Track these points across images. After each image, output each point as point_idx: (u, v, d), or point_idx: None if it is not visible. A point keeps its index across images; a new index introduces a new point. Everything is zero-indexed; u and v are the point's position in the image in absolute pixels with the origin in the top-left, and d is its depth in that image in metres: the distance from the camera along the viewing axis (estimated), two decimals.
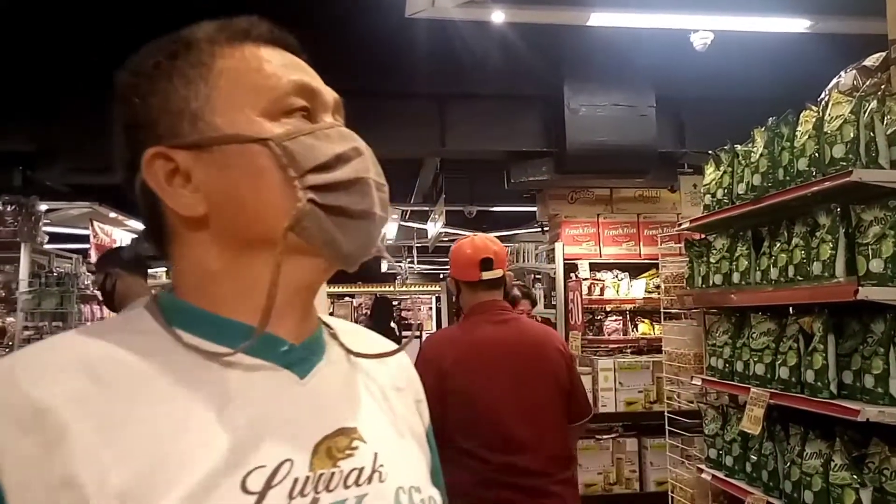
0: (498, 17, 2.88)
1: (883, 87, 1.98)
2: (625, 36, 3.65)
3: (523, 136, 4.21)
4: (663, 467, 3.57)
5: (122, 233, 6.30)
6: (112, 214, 5.59)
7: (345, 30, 3.56)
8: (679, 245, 3.31)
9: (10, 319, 4.35)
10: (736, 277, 2.39)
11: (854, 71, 2.20)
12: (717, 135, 2.87)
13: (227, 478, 0.52)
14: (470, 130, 4.16)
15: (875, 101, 1.85)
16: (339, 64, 3.79)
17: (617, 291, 4.44)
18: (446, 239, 8.39)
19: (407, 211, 7.55)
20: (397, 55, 3.75)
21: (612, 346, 4.49)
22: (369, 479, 0.58)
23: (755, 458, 2.31)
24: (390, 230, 8.43)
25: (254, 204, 0.58)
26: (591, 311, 4.46)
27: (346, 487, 0.57)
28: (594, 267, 4.52)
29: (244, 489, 0.52)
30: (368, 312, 9.43)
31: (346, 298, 12.55)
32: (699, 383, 2.71)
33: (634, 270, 4.55)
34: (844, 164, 1.87)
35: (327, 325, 0.69)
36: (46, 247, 5.33)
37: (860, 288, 1.77)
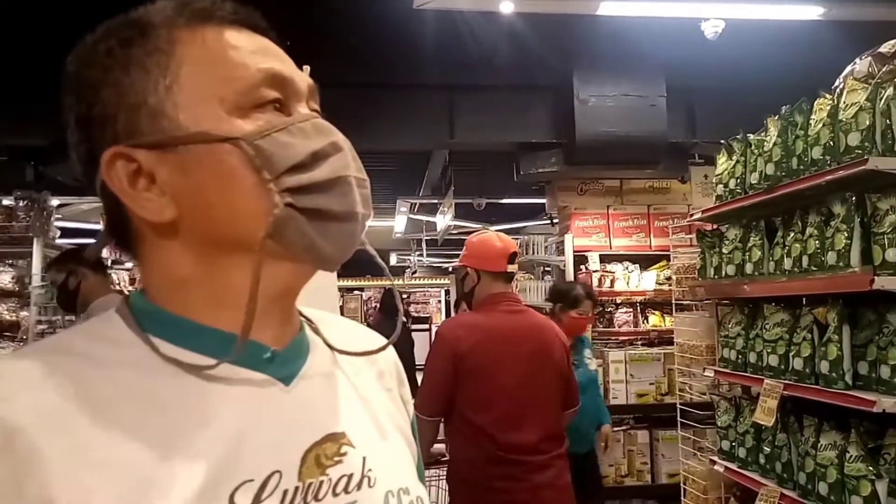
0: (507, 7, 2.85)
1: None
2: (635, 25, 3.61)
3: (532, 128, 4.18)
4: (675, 459, 3.56)
5: None
6: None
7: (352, 22, 3.55)
8: (690, 236, 3.28)
9: (23, 314, 4.38)
10: (749, 268, 2.37)
11: (869, 58, 2.16)
12: (728, 124, 2.84)
13: (214, 495, 0.50)
14: (479, 122, 4.14)
15: (891, 88, 1.82)
16: (346, 56, 3.79)
17: (627, 283, 4.42)
18: (455, 232, 8.37)
19: (416, 204, 7.53)
20: (405, 47, 3.73)
21: (622, 338, 4.48)
22: (358, 486, 0.57)
23: (769, 449, 2.29)
24: (399, 223, 8.43)
25: (225, 208, 0.54)
26: (601, 303, 4.44)
27: (335, 496, 0.55)
28: (604, 259, 4.50)
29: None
30: (378, 306, 9.45)
31: (356, 292, 12.59)
32: (711, 375, 2.70)
33: (645, 262, 4.53)
34: (860, 152, 1.84)
35: (308, 320, 0.66)
36: (58, 241, 5.37)
37: (876, 277, 1.75)
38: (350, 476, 0.57)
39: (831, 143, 1.96)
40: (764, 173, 2.29)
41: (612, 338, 4.47)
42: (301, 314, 0.65)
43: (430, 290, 13.76)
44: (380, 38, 3.67)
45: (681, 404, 3.22)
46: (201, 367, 0.54)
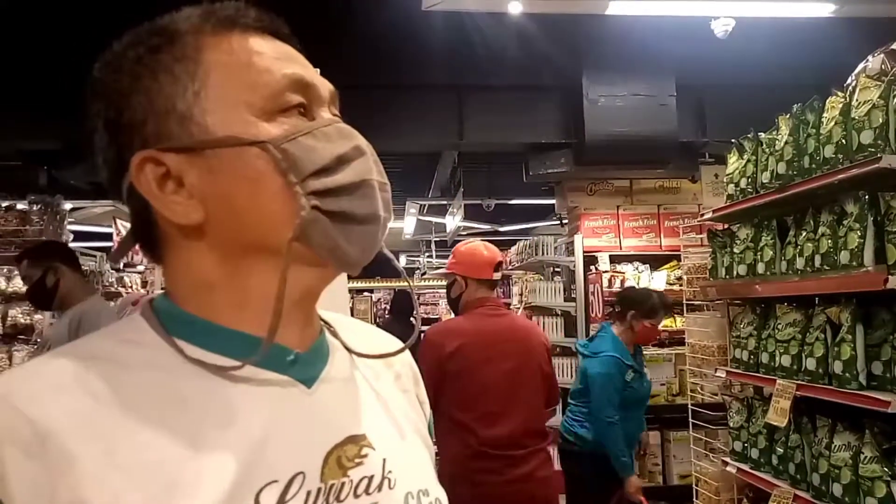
0: (515, 7, 2.85)
1: None
2: (644, 24, 3.60)
3: (542, 128, 4.17)
4: (687, 460, 3.54)
5: None
6: None
7: (362, 23, 3.56)
8: (701, 236, 3.26)
9: (37, 317, 4.43)
10: (761, 268, 2.36)
11: (882, 55, 2.14)
12: (739, 123, 2.82)
13: (240, 495, 0.50)
14: (488, 123, 4.14)
15: None
16: (356, 58, 3.80)
17: (638, 284, 4.40)
18: (465, 233, 8.38)
19: (425, 205, 7.54)
20: (414, 48, 3.74)
21: None
22: (379, 487, 0.57)
23: (781, 450, 2.27)
24: (408, 225, 8.44)
25: (253, 211, 0.55)
26: (611, 303, 4.42)
27: (357, 497, 0.56)
28: (614, 259, 4.48)
29: None
30: (388, 308, 9.46)
31: (366, 294, 12.60)
32: (723, 375, 2.68)
33: (655, 262, 4.51)
34: (873, 150, 1.83)
35: (327, 324, 0.67)
36: (71, 245, 5.42)
37: (890, 277, 1.73)
38: (371, 478, 0.57)
39: (844, 141, 1.95)
40: (775, 172, 2.28)
41: None
42: (320, 318, 0.66)
43: (439, 291, 13.75)
44: (389, 39, 3.68)
45: (692, 405, 3.21)
46: (226, 368, 0.54)
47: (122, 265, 7.09)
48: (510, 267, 8.41)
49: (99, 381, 0.51)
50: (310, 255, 0.56)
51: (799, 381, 2.12)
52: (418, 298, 3.51)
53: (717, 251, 2.71)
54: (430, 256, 10.40)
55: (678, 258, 3.79)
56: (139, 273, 7.95)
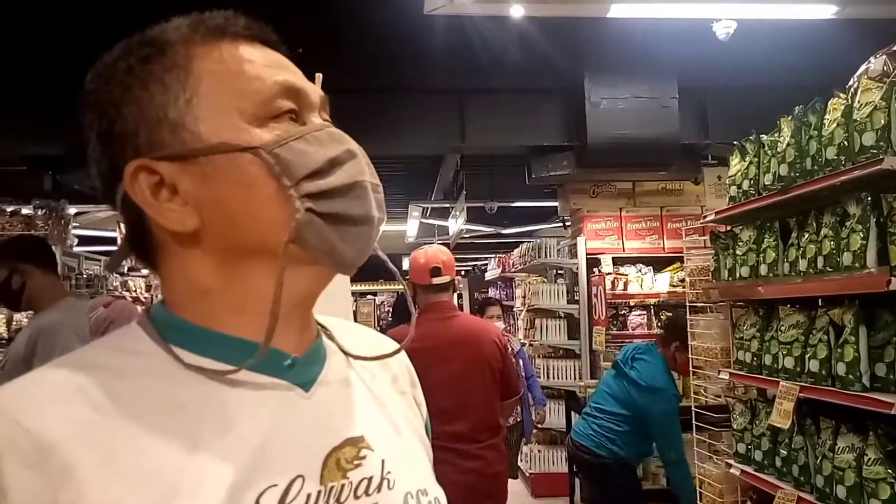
0: (517, 10, 2.86)
1: None
2: (646, 27, 3.60)
3: (544, 131, 4.18)
4: (691, 462, 3.53)
5: None
6: None
7: (364, 28, 3.58)
8: (704, 238, 3.26)
9: None
10: (763, 269, 2.36)
11: (884, 56, 2.14)
12: (741, 125, 2.83)
13: (241, 499, 0.51)
14: (490, 126, 4.15)
15: None
16: (358, 62, 3.81)
17: (641, 286, 4.41)
18: (468, 235, 8.39)
19: (427, 208, 7.55)
20: (416, 52, 3.75)
21: (636, 340, 4.45)
22: (378, 488, 0.58)
23: (785, 452, 2.27)
24: (411, 228, 8.45)
25: (248, 216, 0.55)
26: (614, 305, 4.43)
27: (357, 498, 0.56)
28: (617, 261, 4.49)
29: None
30: (391, 310, 9.47)
31: (369, 297, 12.63)
32: (727, 377, 2.68)
33: (658, 264, 4.51)
34: (875, 151, 1.83)
35: (323, 327, 0.67)
36: (76, 249, 5.45)
37: (892, 278, 1.73)
38: (370, 479, 0.58)
39: (846, 142, 1.95)
40: (777, 174, 2.28)
41: (626, 341, 4.45)
42: (317, 321, 0.67)
43: None
44: (391, 43, 3.70)
45: (696, 407, 3.20)
46: (223, 372, 0.55)
47: (125, 269, 7.12)
48: (513, 269, 8.42)
49: (97, 390, 0.52)
50: (306, 257, 0.57)
51: (802, 383, 2.12)
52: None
53: (720, 253, 2.71)
54: None
55: (681, 260, 3.79)
56: (143, 277, 7.99)
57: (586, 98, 3.96)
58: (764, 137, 2.42)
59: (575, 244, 4.63)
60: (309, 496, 0.54)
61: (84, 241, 5.95)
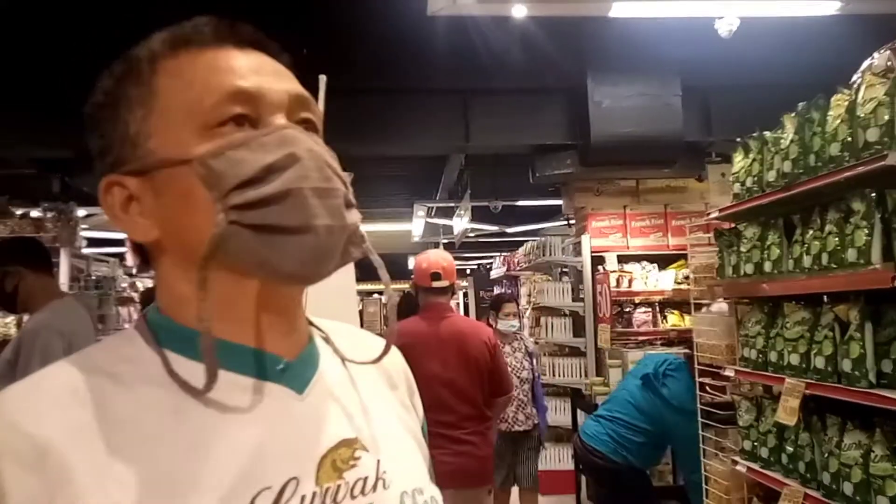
0: (519, 11, 2.86)
1: None
2: (648, 25, 3.60)
3: (547, 130, 4.19)
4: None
5: None
6: None
7: (367, 29, 3.59)
8: (708, 235, 3.26)
9: None
10: (768, 266, 2.36)
11: (888, 52, 2.13)
12: (745, 122, 2.83)
13: (239, 497, 0.52)
14: (494, 125, 4.16)
15: None
16: (362, 63, 3.82)
17: (645, 283, 4.41)
18: (473, 235, 8.39)
19: (432, 208, 7.56)
20: (419, 53, 3.76)
21: (641, 338, 4.46)
22: (374, 488, 0.59)
23: (791, 449, 2.27)
24: (416, 227, 8.46)
25: (189, 227, 0.56)
26: (619, 303, 4.43)
27: (353, 498, 0.57)
28: (622, 259, 4.49)
29: None
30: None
31: (375, 296, 12.64)
32: (732, 374, 2.68)
33: (662, 262, 4.51)
34: (879, 147, 1.82)
35: (318, 329, 0.68)
36: (84, 251, 5.48)
37: None
38: (365, 479, 0.59)
39: (849, 139, 1.95)
40: (781, 171, 2.28)
41: (631, 338, 4.45)
42: (311, 323, 0.67)
43: None
44: (394, 44, 3.71)
45: (701, 404, 3.20)
46: (202, 392, 0.55)
47: (134, 270, 7.15)
48: (518, 268, 8.41)
49: (95, 395, 0.53)
50: (242, 268, 0.56)
51: (808, 380, 2.12)
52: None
53: (724, 250, 2.71)
54: None
55: (685, 257, 3.78)
56: (151, 278, 7.98)
57: (589, 97, 3.96)
58: (767, 134, 2.42)
59: (579, 242, 4.63)
60: (304, 497, 0.54)
61: (92, 242, 5.98)
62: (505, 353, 4.07)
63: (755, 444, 2.51)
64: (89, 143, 0.61)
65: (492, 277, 10.83)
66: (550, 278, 6.81)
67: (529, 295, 6.69)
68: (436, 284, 2.92)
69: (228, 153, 0.55)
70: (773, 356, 2.36)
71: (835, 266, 1.99)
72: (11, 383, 0.54)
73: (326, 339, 0.67)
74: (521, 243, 8.67)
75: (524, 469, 4.13)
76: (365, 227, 0.62)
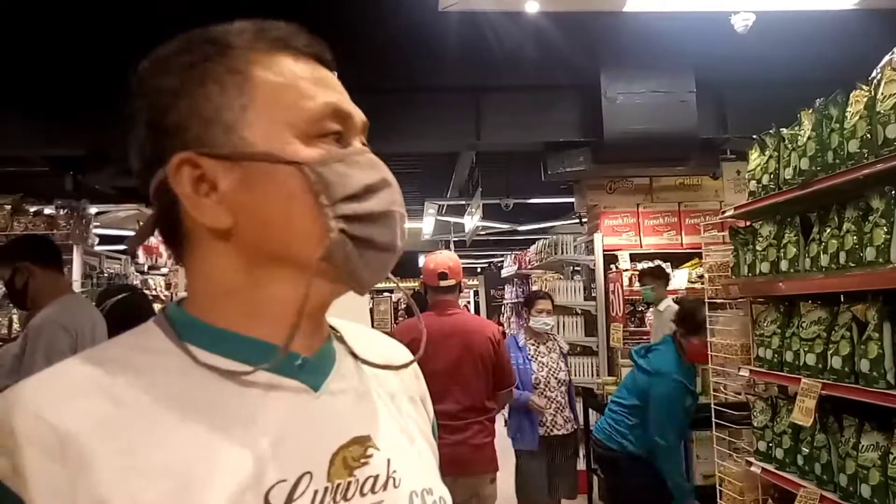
0: (532, 6, 2.84)
1: None
2: (662, 21, 3.57)
3: (560, 127, 4.16)
4: (710, 460, 3.49)
5: None
6: None
7: (378, 25, 3.58)
8: (723, 233, 3.23)
9: None
10: (784, 265, 2.33)
11: None
12: (761, 119, 2.79)
13: (250, 494, 0.52)
14: (505, 122, 4.14)
15: None
16: (373, 60, 3.82)
17: None
18: (484, 233, 8.37)
19: (443, 205, 7.55)
20: (431, 49, 3.75)
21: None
22: (384, 486, 0.60)
23: (807, 450, 2.24)
24: (427, 225, 8.45)
25: (281, 226, 0.57)
26: (632, 302, 4.40)
27: (363, 496, 0.58)
28: (635, 258, 4.46)
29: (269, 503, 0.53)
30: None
31: (385, 294, 12.65)
32: (747, 374, 2.65)
33: (676, 260, 4.47)
34: None
35: (334, 329, 0.69)
36: (97, 248, 5.53)
37: None
38: (376, 477, 0.60)
39: (869, 135, 1.91)
40: (798, 168, 2.24)
41: (644, 337, 4.41)
42: (328, 324, 0.69)
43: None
44: (406, 40, 3.70)
45: (715, 404, 3.17)
46: (238, 372, 0.57)
47: (146, 268, 7.21)
48: (529, 266, 8.39)
49: (115, 385, 0.54)
50: (329, 272, 0.59)
51: (824, 380, 2.09)
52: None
53: (740, 249, 2.68)
54: None
55: (700, 256, 3.75)
56: (163, 275, 8.08)
57: (602, 93, 3.92)
58: (784, 131, 2.39)
59: (592, 240, 4.61)
60: (316, 492, 0.55)
61: (105, 240, 6.03)
62: (540, 353, 4.05)
63: (770, 444, 2.48)
64: (142, 113, 0.59)
65: (503, 276, 10.81)
66: (562, 277, 6.78)
67: None
68: (443, 283, 3.07)
69: (334, 165, 0.57)
70: (788, 356, 2.33)
71: (853, 265, 1.96)
72: (18, 376, 0.54)
73: (340, 339, 0.68)
74: (532, 241, 8.64)
75: (565, 479, 4.03)
76: None
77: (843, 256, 2.01)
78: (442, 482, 0.68)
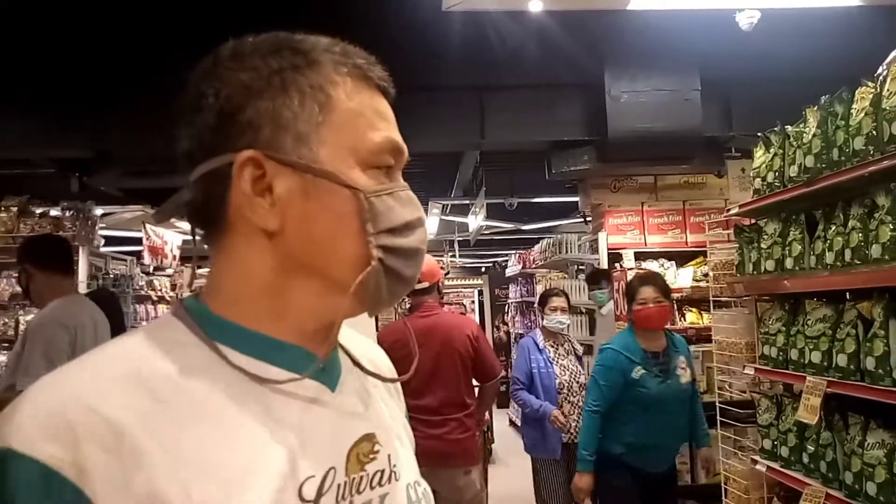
0: (535, 5, 2.84)
1: None
2: (666, 18, 3.56)
3: (564, 126, 4.15)
4: (716, 458, 3.49)
5: (172, 234, 6.51)
6: None
7: (381, 25, 3.58)
8: (728, 231, 3.22)
9: None
10: (789, 263, 2.32)
11: None
12: (766, 116, 2.78)
13: (287, 488, 0.55)
14: (509, 121, 4.13)
15: None
16: (376, 60, 3.81)
17: None
18: (488, 232, 8.36)
19: (447, 205, 7.54)
20: (434, 49, 3.74)
21: None
22: (389, 479, 0.64)
23: (812, 448, 2.23)
24: (431, 225, 8.45)
25: (327, 241, 0.60)
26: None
27: (372, 489, 0.63)
28: (639, 256, 4.44)
29: (301, 498, 0.56)
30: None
31: None
32: (752, 372, 2.64)
33: (681, 259, 4.46)
34: None
35: None
36: (102, 250, 5.55)
37: None
38: (382, 471, 0.64)
39: (874, 132, 1.91)
40: (803, 166, 2.24)
41: None
42: None
43: (463, 290, 13.77)
44: (409, 40, 3.70)
45: (720, 403, 3.16)
46: (275, 381, 0.60)
47: (151, 269, 7.24)
48: (533, 266, 8.38)
49: (151, 380, 0.55)
50: (359, 295, 0.62)
51: (830, 378, 2.08)
52: (442, 298, 3.70)
53: (744, 247, 2.67)
54: (454, 256, 10.41)
55: (704, 254, 3.74)
56: (168, 276, 8.10)
57: (606, 92, 3.91)
58: (789, 128, 2.38)
59: (596, 239, 4.60)
60: (339, 486, 0.59)
61: (110, 241, 6.05)
62: (560, 355, 4.00)
63: (775, 443, 2.48)
64: (217, 100, 0.60)
65: (507, 275, 10.80)
66: (567, 276, 6.77)
67: None
68: (417, 286, 3.13)
69: (384, 197, 0.61)
70: (793, 354, 2.32)
71: (858, 262, 1.95)
72: (18, 373, 0.55)
73: (339, 344, 0.72)
74: (536, 241, 8.62)
75: None
76: None
77: (848, 254, 2.00)
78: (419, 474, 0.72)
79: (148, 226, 5.98)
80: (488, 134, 4.12)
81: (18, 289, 5.22)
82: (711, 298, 3.29)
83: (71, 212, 4.73)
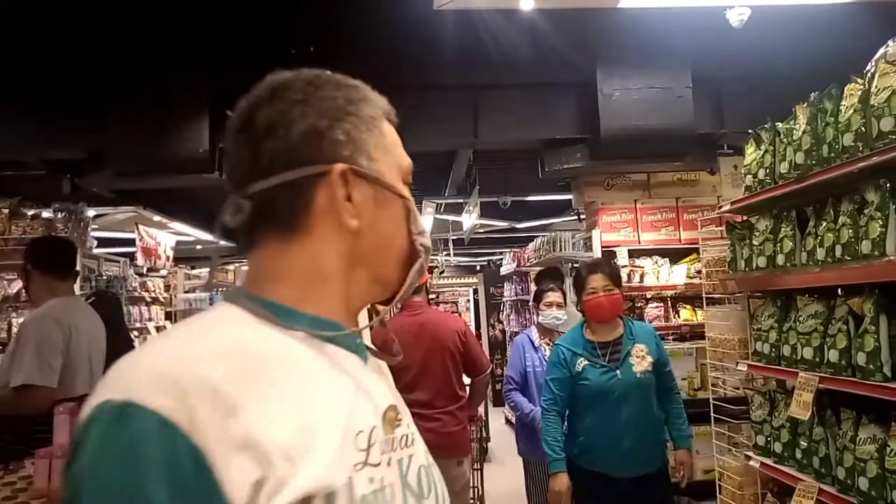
0: (526, 4, 2.83)
1: None
2: (657, 16, 3.56)
3: (556, 124, 4.15)
4: (710, 455, 3.51)
5: (165, 235, 6.49)
6: (156, 218, 5.75)
7: (373, 24, 3.58)
8: (720, 228, 3.23)
9: None
10: (781, 259, 2.33)
11: None
12: (757, 113, 2.79)
13: (348, 436, 0.67)
14: (502, 120, 4.13)
15: None
16: (368, 59, 3.81)
17: (657, 278, 4.37)
18: (482, 230, 8.36)
19: (441, 204, 7.54)
20: (426, 48, 3.74)
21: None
22: (412, 443, 0.77)
23: (805, 444, 2.25)
24: (426, 223, 8.43)
25: (388, 241, 0.77)
26: (631, 298, 4.40)
27: (401, 448, 0.75)
28: (633, 254, 4.45)
29: (357, 447, 0.68)
30: (400, 305, 9.47)
31: None
32: (745, 369, 2.65)
33: (674, 256, 4.47)
34: (894, 137, 1.80)
35: None
36: (95, 251, 5.53)
37: None
38: (406, 436, 0.77)
39: (863, 128, 1.92)
40: (794, 162, 2.25)
41: None
42: None
43: (458, 289, 13.78)
44: (401, 39, 3.69)
45: (714, 399, 3.18)
46: (325, 336, 0.72)
47: (145, 270, 7.21)
48: (528, 264, 8.38)
49: (236, 348, 0.65)
50: (394, 286, 0.80)
51: (821, 374, 2.10)
52: (437, 297, 3.77)
53: (736, 243, 2.69)
54: (448, 255, 10.41)
55: (697, 251, 3.76)
56: (162, 277, 8.07)
57: (599, 90, 3.92)
58: (779, 125, 2.39)
59: (590, 237, 4.61)
60: (381, 441, 0.71)
61: (103, 242, 6.02)
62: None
63: (769, 438, 2.49)
64: (309, 111, 0.73)
65: (502, 274, 10.81)
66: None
67: None
68: None
69: (413, 205, 0.80)
70: (786, 350, 2.33)
71: (849, 258, 1.96)
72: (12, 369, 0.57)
73: None
74: (530, 239, 8.63)
75: None
76: None
77: (839, 250, 2.01)
78: None
79: (140, 227, 5.96)
80: (482, 132, 4.12)
81: (11, 291, 5.21)
82: (704, 295, 3.30)
83: (63, 213, 4.71)
